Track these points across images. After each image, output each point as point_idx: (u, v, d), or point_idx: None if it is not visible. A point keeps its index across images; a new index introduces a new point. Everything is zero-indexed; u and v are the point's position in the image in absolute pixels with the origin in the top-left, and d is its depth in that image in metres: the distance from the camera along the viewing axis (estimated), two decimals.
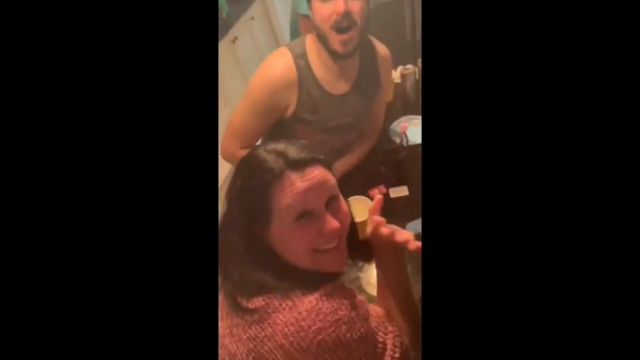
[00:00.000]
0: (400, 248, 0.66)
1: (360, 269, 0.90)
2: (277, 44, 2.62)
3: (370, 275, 0.88)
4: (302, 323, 0.47)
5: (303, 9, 1.24)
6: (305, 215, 0.51)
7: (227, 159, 1.01)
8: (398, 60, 1.16)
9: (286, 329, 0.47)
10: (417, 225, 0.96)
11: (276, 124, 0.99)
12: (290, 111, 0.96)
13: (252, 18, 2.35)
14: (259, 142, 1.04)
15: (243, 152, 0.91)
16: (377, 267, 0.69)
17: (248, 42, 2.32)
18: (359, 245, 0.71)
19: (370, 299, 0.77)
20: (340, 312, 0.49)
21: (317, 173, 0.51)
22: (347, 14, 0.84)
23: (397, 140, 1.18)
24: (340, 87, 0.97)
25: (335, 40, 0.86)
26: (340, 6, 0.83)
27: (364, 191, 1.05)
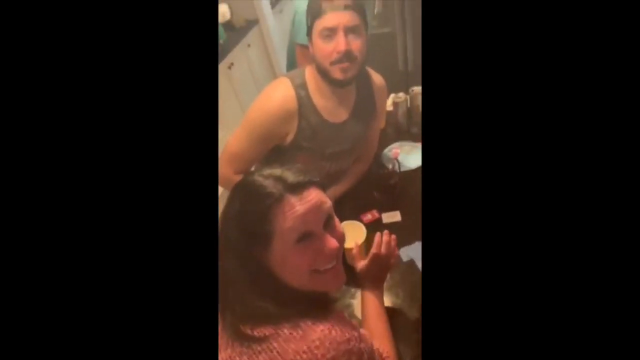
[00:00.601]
0: (380, 279, 0.72)
1: (353, 295, 0.90)
2: (272, 71, 2.68)
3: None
4: (316, 351, 0.47)
5: (300, 38, 1.28)
6: (306, 237, 0.52)
7: (222, 183, 1.01)
8: (390, 88, 1.19)
9: (298, 357, 0.47)
10: (410, 250, 0.97)
11: (274, 150, 1.00)
12: (289, 139, 0.97)
13: (249, 45, 2.42)
14: (252, 168, 1.05)
15: (238, 177, 0.92)
16: (362, 296, 0.73)
17: (244, 68, 2.38)
18: (352, 270, 0.71)
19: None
20: (351, 343, 0.50)
21: (314, 195, 0.53)
22: (347, 52, 0.86)
23: (390, 166, 1.20)
24: (338, 116, 1.00)
25: (337, 70, 0.89)
26: (341, 45, 0.85)
27: (356, 216, 1.06)
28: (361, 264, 0.76)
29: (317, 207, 0.52)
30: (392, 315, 0.82)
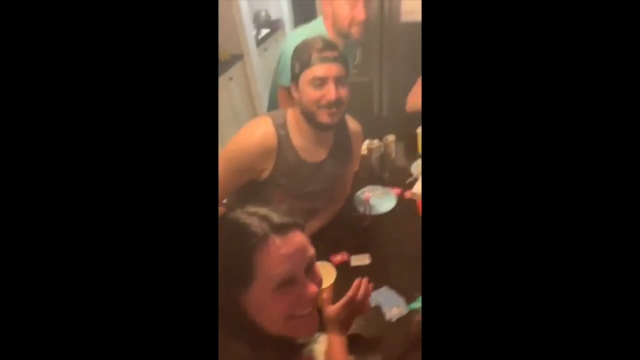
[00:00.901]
0: (346, 325, 0.72)
1: (316, 340, 0.88)
2: (252, 105, 2.73)
3: (323, 346, 0.86)
4: None
5: (284, 80, 1.32)
6: (288, 281, 0.51)
7: None
8: (365, 134, 1.25)
9: None
10: (377, 295, 0.97)
11: (250, 185, 1.01)
12: (265, 175, 0.99)
13: (231, 78, 2.47)
14: (224, 200, 1.04)
15: None
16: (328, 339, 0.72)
17: (224, 100, 2.41)
18: (319, 313, 0.71)
19: None
20: None
21: (298, 238, 0.52)
22: (337, 101, 0.91)
23: (362, 209, 1.23)
24: (316, 156, 1.03)
25: (324, 114, 0.93)
26: (332, 94, 0.90)
27: (326, 256, 1.06)
28: (332, 307, 0.75)
29: (301, 251, 0.52)
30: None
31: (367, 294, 0.76)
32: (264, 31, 2.90)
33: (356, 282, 0.76)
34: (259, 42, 2.74)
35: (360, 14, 1.26)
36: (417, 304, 0.92)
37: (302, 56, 0.92)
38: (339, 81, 0.91)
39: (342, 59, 0.93)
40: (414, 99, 1.48)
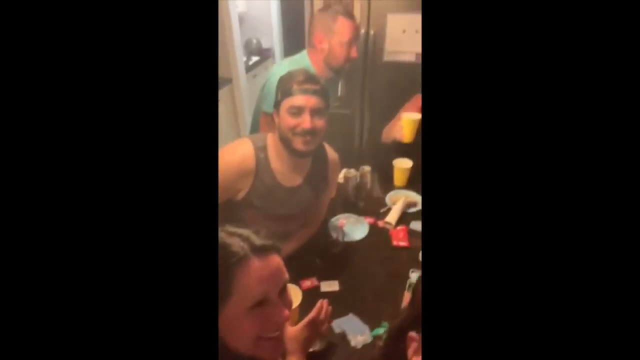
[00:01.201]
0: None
1: None
2: (236, 128, 2.77)
3: None
4: None
5: (266, 106, 1.37)
6: (262, 302, 0.52)
7: None
8: (343, 164, 1.30)
9: None
10: (342, 323, 0.98)
11: (226, 204, 1.03)
12: (241, 195, 1.01)
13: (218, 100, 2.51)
14: None
15: None
16: None
17: None
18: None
19: None
20: None
21: (277, 261, 0.54)
22: (311, 130, 0.96)
23: (335, 235, 1.26)
24: (292, 181, 1.07)
25: (299, 141, 0.97)
26: (306, 124, 0.95)
27: (296, 281, 1.07)
28: (293, 328, 0.76)
29: (277, 274, 0.53)
30: None
31: (327, 315, 0.77)
32: (254, 58, 2.99)
33: (319, 303, 0.78)
34: (249, 69, 2.82)
35: (354, 52, 1.39)
36: (380, 330, 0.93)
37: (284, 86, 0.98)
38: (315, 112, 0.96)
39: (322, 92, 0.98)
40: (389, 132, 1.56)
